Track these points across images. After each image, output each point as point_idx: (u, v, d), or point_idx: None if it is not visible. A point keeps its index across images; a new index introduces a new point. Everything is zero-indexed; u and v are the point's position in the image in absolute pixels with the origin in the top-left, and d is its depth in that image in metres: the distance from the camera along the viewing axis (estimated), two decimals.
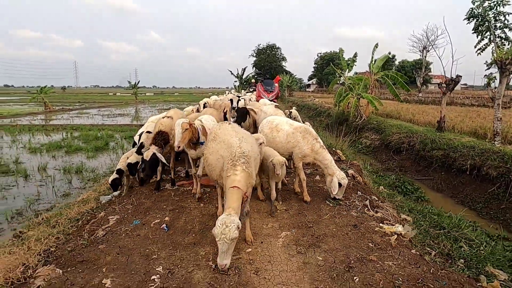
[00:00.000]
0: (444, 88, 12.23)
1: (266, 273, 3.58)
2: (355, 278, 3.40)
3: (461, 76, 11.61)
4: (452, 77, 11.88)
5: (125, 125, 22.92)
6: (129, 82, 55.55)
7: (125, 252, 4.08)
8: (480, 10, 10.47)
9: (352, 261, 3.70)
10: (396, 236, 4.27)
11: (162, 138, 5.77)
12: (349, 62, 22.14)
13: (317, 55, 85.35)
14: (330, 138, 12.95)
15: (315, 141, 5.47)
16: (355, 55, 21.80)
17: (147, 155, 5.56)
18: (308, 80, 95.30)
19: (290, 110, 11.31)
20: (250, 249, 4.05)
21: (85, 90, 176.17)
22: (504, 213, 7.02)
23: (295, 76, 75.72)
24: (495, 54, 9.37)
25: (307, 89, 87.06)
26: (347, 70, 21.63)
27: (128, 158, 6.60)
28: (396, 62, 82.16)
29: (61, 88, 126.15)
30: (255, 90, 21.91)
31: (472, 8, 10.70)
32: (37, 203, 8.11)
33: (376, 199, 6.01)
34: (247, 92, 24.48)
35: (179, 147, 4.78)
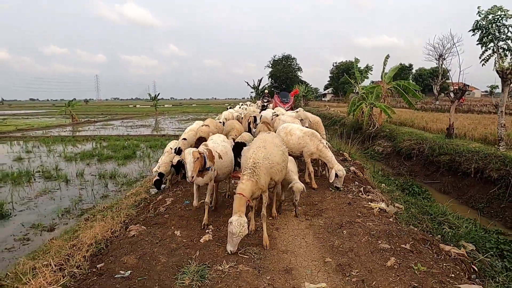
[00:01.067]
0: (452, 97, 12.81)
1: (284, 230, 5.00)
2: (344, 231, 4.76)
3: (468, 85, 12.21)
4: (460, 87, 12.47)
5: (149, 135, 24.29)
6: (149, 95, 57.58)
7: (184, 219, 5.50)
8: (484, 23, 11.10)
9: (343, 223, 5.04)
10: (378, 208, 5.53)
11: (201, 142, 6.39)
12: (362, 72, 22.87)
13: (333, 65, 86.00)
14: (341, 144, 13.79)
15: (319, 142, 6.82)
16: (367, 66, 22.52)
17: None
18: (324, 90, 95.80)
19: (296, 110, 12.35)
20: (271, 218, 5.43)
21: (106, 102, 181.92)
22: (503, 211, 7.59)
23: (311, 86, 76.24)
24: (497, 65, 9.99)
25: (323, 99, 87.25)
26: (360, 80, 22.33)
27: (170, 162, 7.66)
28: (413, 71, 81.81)
29: (84, 101, 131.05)
30: (268, 100, 22.82)
31: (477, 21, 11.35)
32: (81, 203, 9.22)
33: (370, 187, 7.19)
34: (256, 102, 25.23)
35: (192, 177, 4.47)
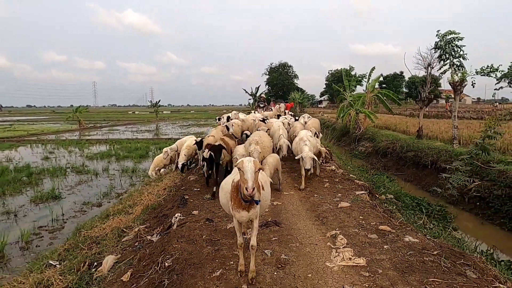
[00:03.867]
0: (421, 104, 15.20)
1: (288, 207, 6.40)
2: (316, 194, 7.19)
3: (434, 93, 14.53)
4: (427, 95, 14.87)
5: (156, 138, 26.56)
6: (150, 102, 59.93)
7: (206, 203, 6.78)
8: (442, 43, 13.53)
9: (318, 189, 7.49)
10: (330, 169, 8.76)
11: (209, 146, 7.38)
12: (350, 80, 25.30)
13: (328, 72, 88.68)
14: (330, 145, 16.10)
15: (302, 142, 7.83)
16: (356, 75, 24.83)
17: (206, 154, 7.20)
18: (320, 96, 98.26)
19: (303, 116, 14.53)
20: (280, 198, 6.96)
21: (104, 109, 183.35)
22: (446, 190, 9.91)
23: (307, 93, 78.36)
24: (450, 78, 12.36)
25: (319, 105, 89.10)
26: (348, 88, 24.68)
27: (185, 156, 9.86)
28: (406, 78, 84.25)
29: (84, 107, 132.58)
30: (264, 105, 24.97)
31: (436, 42, 13.79)
32: (115, 189, 11.42)
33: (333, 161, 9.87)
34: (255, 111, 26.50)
35: (253, 189, 3.22)
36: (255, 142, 7.33)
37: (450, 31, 13.26)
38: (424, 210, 7.97)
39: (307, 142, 7.52)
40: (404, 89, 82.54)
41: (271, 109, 19.92)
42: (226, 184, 3.93)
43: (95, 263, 4.35)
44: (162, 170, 11.93)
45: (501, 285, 3.54)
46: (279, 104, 19.93)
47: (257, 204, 3.51)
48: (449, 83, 12.26)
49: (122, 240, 5.06)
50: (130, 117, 68.74)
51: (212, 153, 6.98)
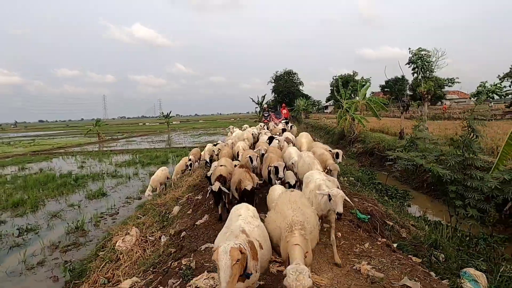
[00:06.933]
0: (401, 109, 17.74)
1: None
2: None
3: (410, 99, 17.07)
4: (405, 101, 17.40)
5: (173, 147, 29.45)
6: (162, 113, 63.24)
7: None
8: (414, 58, 16.14)
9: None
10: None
11: (221, 179, 6.49)
12: (346, 88, 27.95)
13: (333, 78, 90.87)
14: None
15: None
16: (360, 80, 27.47)
17: (215, 187, 6.09)
18: (326, 102, 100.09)
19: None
20: None
21: (115, 121, 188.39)
22: (415, 181, 12.45)
23: (312, 99, 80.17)
24: (419, 88, 14.92)
25: (325, 111, 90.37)
26: (344, 96, 27.25)
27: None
28: (410, 81, 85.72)
29: (95, 121, 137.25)
30: (269, 114, 27.56)
31: (410, 57, 16.41)
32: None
33: None
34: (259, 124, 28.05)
35: None
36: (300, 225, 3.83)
37: (421, 48, 15.86)
38: (389, 193, 10.60)
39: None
40: (408, 92, 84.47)
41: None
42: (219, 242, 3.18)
43: (168, 212, 7.08)
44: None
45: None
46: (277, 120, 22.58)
47: (247, 278, 2.97)
48: (418, 92, 14.81)
49: (180, 202, 7.80)
50: (143, 129, 72.20)
51: (222, 188, 6.07)
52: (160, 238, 6.02)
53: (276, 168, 6.39)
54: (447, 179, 6.09)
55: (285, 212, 3.73)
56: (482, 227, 6.41)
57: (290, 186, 6.00)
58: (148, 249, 5.66)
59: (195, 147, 21.45)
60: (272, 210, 4.07)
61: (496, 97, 42.57)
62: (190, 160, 13.32)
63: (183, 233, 5.73)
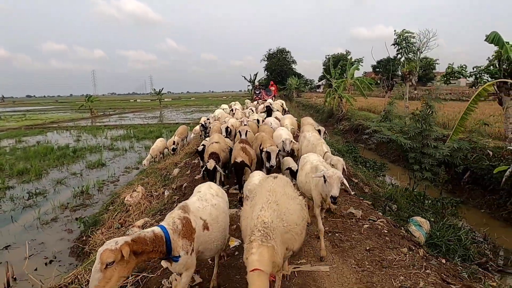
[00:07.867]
0: (386, 89, 18.67)
1: None
2: None
3: (395, 80, 18.01)
4: (390, 81, 18.32)
5: (166, 123, 30.11)
6: (154, 90, 63.04)
7: None
8: (399, 40, 16.91)
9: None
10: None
11: (215, 156, 6.21)
12: (336, 68, 28.66)
13: (325, 57, 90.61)
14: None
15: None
16: (339, 65, 28.21)
17: (210, 165, 5.84)
18: (319, 81, 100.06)
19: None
20: None
21: (106, 97, 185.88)
22: (391, 156, 13.55)
23: (305, 78, 79.94)
24: (402, 69, 15.80)
25: (318, 90, 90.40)
26: (334, 75, 28.00)
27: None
28: (402, 60, 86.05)
29: (86, 96, 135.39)
30: (260, 93, 28.27)
31: (395, 39, 17.17)
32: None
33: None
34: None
35: None
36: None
37: (405, 30, 16.62)
38: (368, 164, 11.71)
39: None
40: (400, 72, 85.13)
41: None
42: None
43: (168, 174, 8.03)
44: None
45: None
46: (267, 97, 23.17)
47: (175, 261, 2.83)
48: (401, 72, 15.70)
49: (178, 165, 8.77)
50: (135, 105, 71.99)
51: (217, 166, 5.88)
52: (163, 193, 6.98)
53: (268, 154, 5.88)
54: (407, 147, 7.13)
55: (257, 206, 3.03)
56: (436, 188, 7.52)
57: (291, 173, 5.62)
58: (153, 202, 6.63)
59: (188, 123, 22.32)
60: (249, 202, 3.32)
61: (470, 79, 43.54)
62: (174, 143, 12.99)
63: (185, 184, 6.69)
